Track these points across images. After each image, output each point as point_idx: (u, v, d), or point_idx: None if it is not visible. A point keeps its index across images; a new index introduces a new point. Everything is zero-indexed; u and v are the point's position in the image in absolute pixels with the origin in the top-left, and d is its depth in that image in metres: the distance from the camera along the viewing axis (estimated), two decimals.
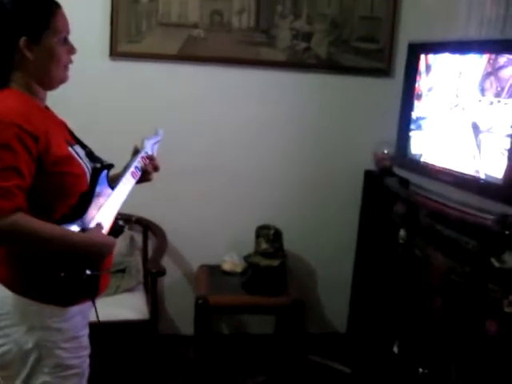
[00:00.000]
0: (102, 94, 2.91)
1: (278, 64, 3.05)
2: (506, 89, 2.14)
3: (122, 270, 2.51)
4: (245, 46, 3.01)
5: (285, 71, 3.06)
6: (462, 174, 2.35)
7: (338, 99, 3.14)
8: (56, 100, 1.67)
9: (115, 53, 2.91)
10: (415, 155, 2.65)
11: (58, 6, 1.54)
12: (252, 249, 2.96)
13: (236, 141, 3.09)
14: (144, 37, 2.94)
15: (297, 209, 3.20)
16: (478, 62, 2.28)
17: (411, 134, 2.67)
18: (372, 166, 3.09)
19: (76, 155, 1.54)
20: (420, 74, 2.62)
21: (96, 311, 1.60)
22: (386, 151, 3.05)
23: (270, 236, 2.94)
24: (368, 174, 3.14)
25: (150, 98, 2.98)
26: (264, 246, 2.94)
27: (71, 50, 1.58)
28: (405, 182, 2.70)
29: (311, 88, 3.10)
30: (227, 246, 3.09)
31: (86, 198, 1.51)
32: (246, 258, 2.98)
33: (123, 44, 2.92)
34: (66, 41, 1.55)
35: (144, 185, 1.77)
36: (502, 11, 2.65)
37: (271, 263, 2.90)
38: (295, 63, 3.07)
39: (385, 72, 3.11)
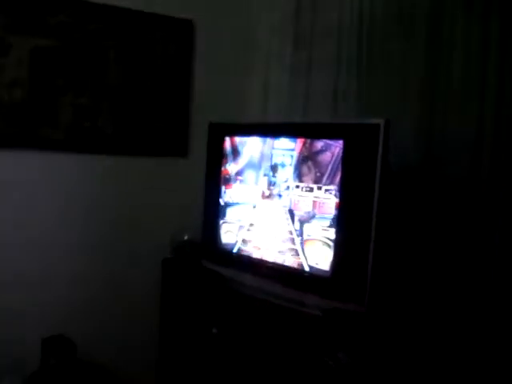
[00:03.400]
0: None
1: (59, 145, 2.62)
2: (327, 174, 2.02)
3: None
4: (19, 125, 2.54)
5: (68, 153, 2.65)
6: (282, 266, 2.16)
7: (127, 182, 2.81)
8: None
9: None
10: (226, 245, 2.41)
11: None
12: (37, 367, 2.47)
13: (13, 239, 2.56)
14: None
15: (92, 314, 2.75)
16: (292, 146, 2.14)
17: (221, 222, 2.43)
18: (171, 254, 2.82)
19: None
20: (226, 157, 2.41)
21: None
22: (186, 237, 2.80)
23: (59, 349, 2.48)
24: (167, 264, 2.82)
25: None
26: (52, 361, 2.46)
27: None
28: (214, 275, 2.43)
29: (98, 172, 2.74)
30: (6, 368, 2.48)
31: None
32: (32, 379, 2.45)
33: None
34: None
35: None
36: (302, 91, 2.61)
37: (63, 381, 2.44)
38: (79, 144, 2.67)
39: (180, 153, 2.88)
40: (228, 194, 2.40)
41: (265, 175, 2.25)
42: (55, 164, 2.64)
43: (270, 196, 2.22)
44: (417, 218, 2.16)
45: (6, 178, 2.53)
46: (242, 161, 2.35)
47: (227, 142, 2.40)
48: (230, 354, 2.29)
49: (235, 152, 2.37)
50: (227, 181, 2.40)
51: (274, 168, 2.21)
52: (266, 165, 2.24)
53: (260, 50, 2.87)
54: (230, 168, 2.39)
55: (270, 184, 2.22)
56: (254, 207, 2.29)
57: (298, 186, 2.12)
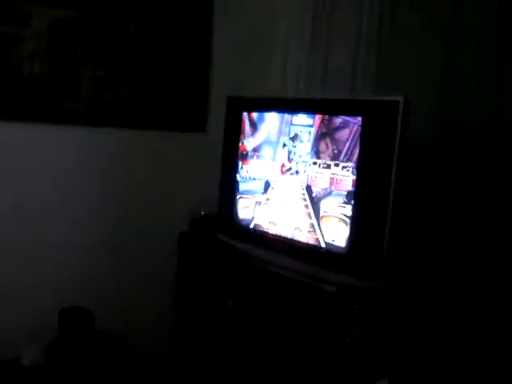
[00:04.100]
0: None
1: (80, 118, 2.64)
2: (344, 151, 2.01)
3: None
4: (38, 98, 2.55)
5: (88, 127, 2.66)
6: (299, 242, 2.16)
7: (146, 156, 2.82)
8: None
9: None
10: (243, 221, 2.42)
11: None
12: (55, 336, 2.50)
13: (34, 212, 2.60)
14: None
15: (108, 285, 2.79)
16: (310, 122, 2.14)
17: (238, 197, 2.43)
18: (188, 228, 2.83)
19: None
20: (244, 132, 2.41)
21: None
22: (203, 212, 2.81)
23: (78, 319, 2.51)
24: (183, 237, 2.85)
25: None
26: (72, 331, 2.50)
27: None
28: (230, 249, 2.45)
29: (118, 144, 2.74)
30: (26, 335, 2.54)
31: None
32: (51, 348, 2.50)
33: None
34: None
35: None
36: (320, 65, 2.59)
37: (83, 351, 2.48)
38: (100, 116, 2.69)
39: (198, 127, 2.88)
40: (245, 170, 2.41)
41: (284, 145, 2.24)
42: (75, 138, 2.65)
43: (289, 170, 2.22)
44: (434, 195, 2.15)
45: (25, 151, 2.56)
46: (259, 136, 2.34)
47: (245, 116, 2.40)
48: (245, 326, 2.31)
49: (253, 127, 2.37)
50: (244, 156, 2.41)
51: (293, 138, 2.20)
52: (284, 139, 2.23)
53: (280, 24, 2.84)
54: (248, 143, 2.39)
55: (290, 154, 2.21)
56: (271, 183, 2.29)
57: (315, 163, 2.12)
